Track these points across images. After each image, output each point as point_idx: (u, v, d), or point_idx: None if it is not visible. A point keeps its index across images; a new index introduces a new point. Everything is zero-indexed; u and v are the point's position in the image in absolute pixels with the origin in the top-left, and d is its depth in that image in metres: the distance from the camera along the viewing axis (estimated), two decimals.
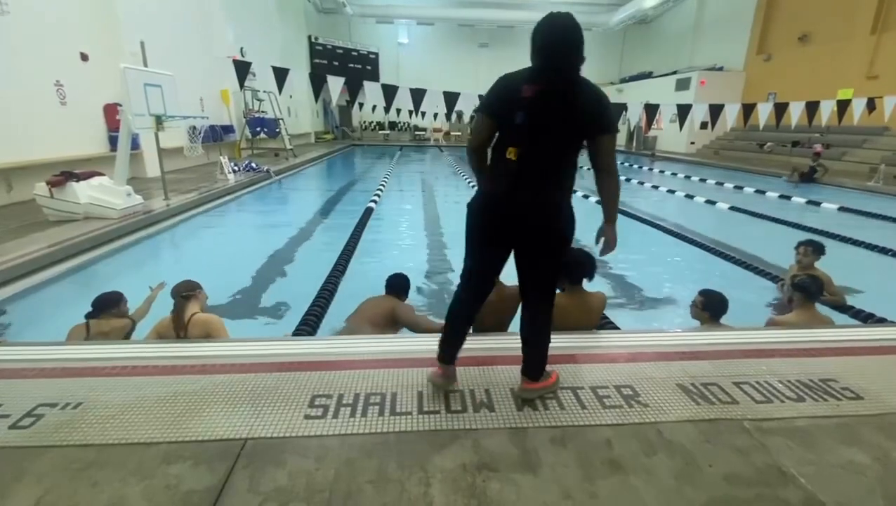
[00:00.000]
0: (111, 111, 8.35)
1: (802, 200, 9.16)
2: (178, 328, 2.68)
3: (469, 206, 1.89)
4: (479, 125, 1.79)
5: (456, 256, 5.45)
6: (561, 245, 1.84)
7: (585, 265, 2.64)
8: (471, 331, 2.84)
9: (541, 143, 1.69)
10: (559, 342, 2.59)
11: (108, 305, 2.81)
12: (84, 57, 8.08)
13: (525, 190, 1.73)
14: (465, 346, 2.51)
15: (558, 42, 1.65)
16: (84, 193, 5.56)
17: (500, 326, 2.77)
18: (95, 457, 1.66)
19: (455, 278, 4.75)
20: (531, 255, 1.87)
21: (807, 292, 3.08)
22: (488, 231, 1.86)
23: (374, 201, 8.08)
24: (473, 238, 1.90)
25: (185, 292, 2.77)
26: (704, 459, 1.71)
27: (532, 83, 1.66)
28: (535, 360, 2.02)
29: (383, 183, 10.46)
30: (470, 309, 2.03)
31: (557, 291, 2.68)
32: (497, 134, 1.79)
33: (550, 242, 1.83)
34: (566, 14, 1.65)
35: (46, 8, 7.25)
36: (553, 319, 2.67)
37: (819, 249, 3.77)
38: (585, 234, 2.13)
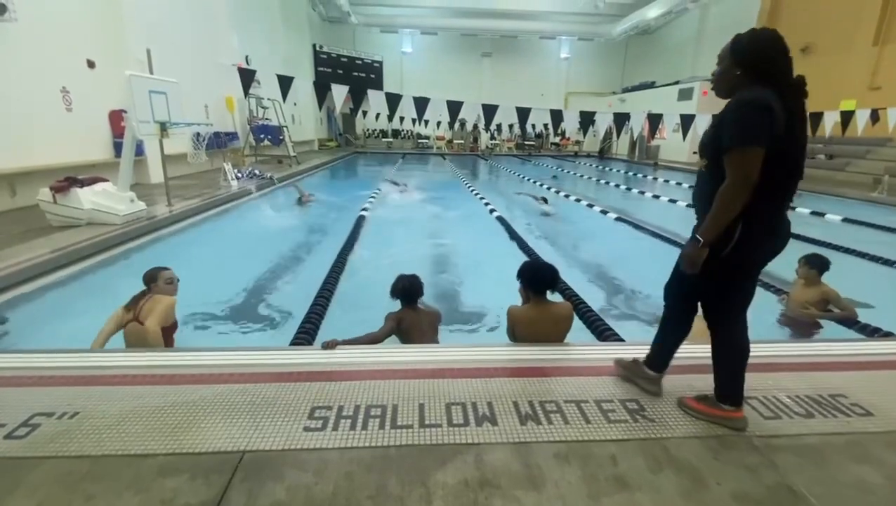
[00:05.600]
0: (116, 118, 8.40)
1: (806, 211, 9.12)
2: (132, 309, 2.86)
3: (744, 245, 1.71)
4: (756, 162, 1.59)
5: (458, 265, 5.44)
6: None
7: (549, 277, 2.65)
8: (471, 341, 2.84)
9: (799, 165, 1.69)
10: (562, 354, 2.57)
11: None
12: (91, 64, 8.15)
13: (785, 210, 1.76)
14: (465, 357, 2.50)
15: (789, 56, 1.66)
16: (87, 198, 5.56)
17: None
18: (90, 469, 1.64)
19: (457, 285, 4.74)
20: None
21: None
22: (766, 262, 1.83)
23: (366, 210, 8.07)
24: (754, 272, 1.86)
25: (148, 282, 3.00)
26: (712, 476, 1.67)
27: (786, 107, 1.61)
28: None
29: (378, 190, 10.49)
30: None
31: (523, 304, 2.69)
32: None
33: None
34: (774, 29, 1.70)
35: (54, 15, 7.32)
36: (523, 332, 2.68)
37: (819, 265, 3.70)
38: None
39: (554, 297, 2.78)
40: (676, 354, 2.57)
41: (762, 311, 4.11)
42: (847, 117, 10.73)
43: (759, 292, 4.50)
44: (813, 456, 1.80)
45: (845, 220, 8.28)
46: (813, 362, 2.52)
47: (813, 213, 8.95)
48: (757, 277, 1.89)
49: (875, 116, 10.70)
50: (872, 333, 3.37)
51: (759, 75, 1.66)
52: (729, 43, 1.74)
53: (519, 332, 2.69)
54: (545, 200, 8.91)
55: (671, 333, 2.12)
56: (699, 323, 2.06)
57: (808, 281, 3.73)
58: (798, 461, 1.76)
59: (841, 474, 1.71)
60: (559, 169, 17.90)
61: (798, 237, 6.87)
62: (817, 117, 10.49)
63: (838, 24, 16.13)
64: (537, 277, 2.66)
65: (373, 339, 2.73)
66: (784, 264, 4.83)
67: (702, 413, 1.99)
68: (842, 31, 16.00)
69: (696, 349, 2.67)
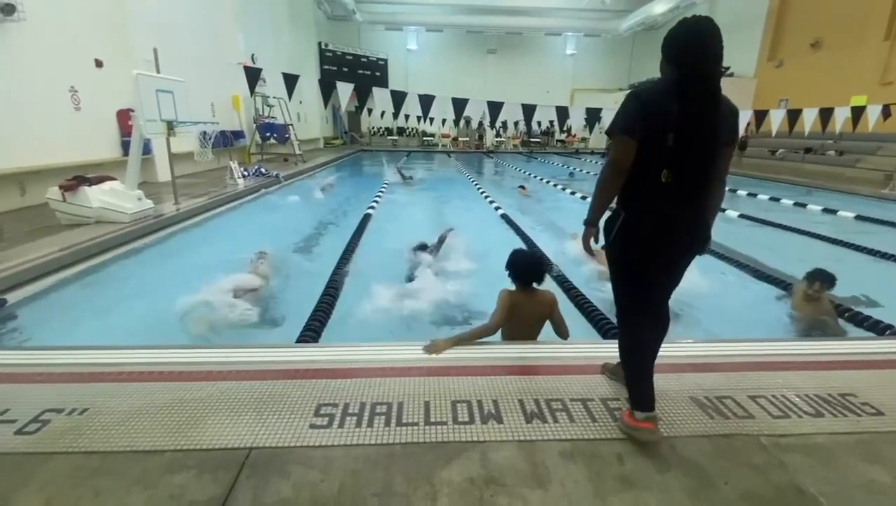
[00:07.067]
0: (124, 117, 8.46)
1: (818, 208, 9.01)
2: None
3: (624, 231, 1.76)
4: (623, 149, 1.66)
5: (462, 263, 5.43)
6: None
7: (537, 269, 2.66)
8: (481, 340, 2.84)
9: (693, 161, 1.65)
10: (567, 352, 2.56)
11: None
12: (98, 63, 8.20)
13: (688, 209, 1.71)
14: (470, 355, 2.49)
15: (708, 51, 1.60)
16: (96, 197, 5.61)
17: (532, 336, 2.74)
18: (100, 464, 1.65)
19: (461, 283, 4.73)
20: (682, 269, 1.87)
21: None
22: (666, 253, 1.78)
23: (372, 208, 8.06)
24: (648, 263, 1.78)
25: None
26: (720, 476, 1.66)
27: (679, 99, 1.60)
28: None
29: (383, 188, 10.48)
30: (659, 340, 1.97)
31: (511, 288, 2.69)
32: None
33: (701, 253, 1.84)
34: (708, 18, 1.60)
35: (62, 15, 7.37)
36: (512, 314, 2.66)
37: (832, 283, 3.60)
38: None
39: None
40: (683, 352, 2.56)
41: (763, 312, 4.08)
42: (858, 113, 10.59)
43: (767, 289, 4.50)
44: (822, 456, 1.78)
45: (858, 217, 8.17)
46: (822, 361, 2.49)
47: (825, 210, 8.84)
48: (660, 274, 1.83)
49: (886, 112, 10.54)
50: (884, 331, 3.33)
51: (672, 64, 1.68)
52: None
53: (509, 315, 2.64)
54: (522, 187, 10.70)
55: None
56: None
57: (812, 297, 3.62)
58: (807, 461, 1.74)
59: (851, 474, 1.69)
60: (573, 168, 17.76)
61: (810, 235, 6.80)
62: (828, 113, 10.36)
63: (849, 19, 15.89)
64: (523, 267, 2.65)
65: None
66: (790, 265, 4.81)
67: (623, 423, 1.85)
68: (852, 26, 15.76)
69: (701, 348, 2.66)
